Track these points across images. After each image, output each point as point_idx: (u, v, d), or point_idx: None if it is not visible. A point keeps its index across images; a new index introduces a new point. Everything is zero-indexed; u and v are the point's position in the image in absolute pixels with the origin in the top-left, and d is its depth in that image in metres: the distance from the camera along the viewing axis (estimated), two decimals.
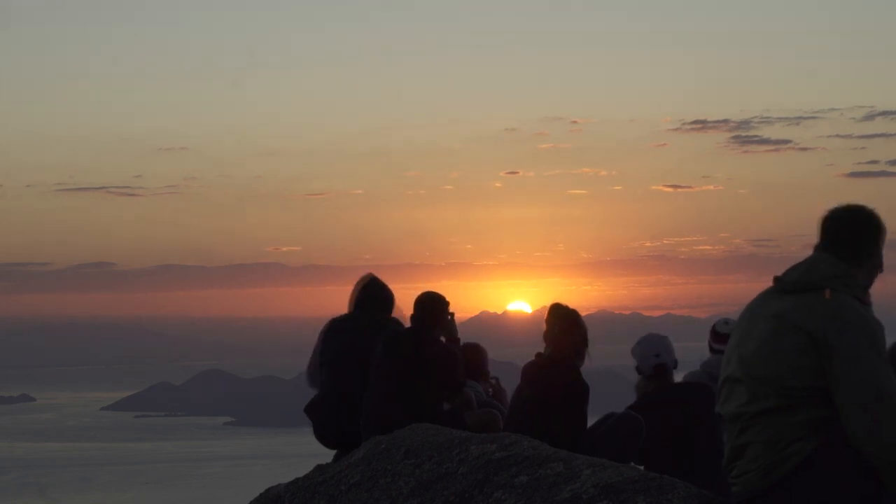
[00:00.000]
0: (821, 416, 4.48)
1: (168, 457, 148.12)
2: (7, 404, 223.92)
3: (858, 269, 4.64)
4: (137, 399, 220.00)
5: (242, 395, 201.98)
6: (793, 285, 4.61)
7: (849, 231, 4.67)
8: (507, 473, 5.70)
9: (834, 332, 4.46)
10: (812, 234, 4.75)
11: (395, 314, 8.61)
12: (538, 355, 7.41)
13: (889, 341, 4.74)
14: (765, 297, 4.71)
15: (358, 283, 8.71)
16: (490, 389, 8.97)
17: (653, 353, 7.87)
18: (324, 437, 8.49)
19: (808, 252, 4.73)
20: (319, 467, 7.09)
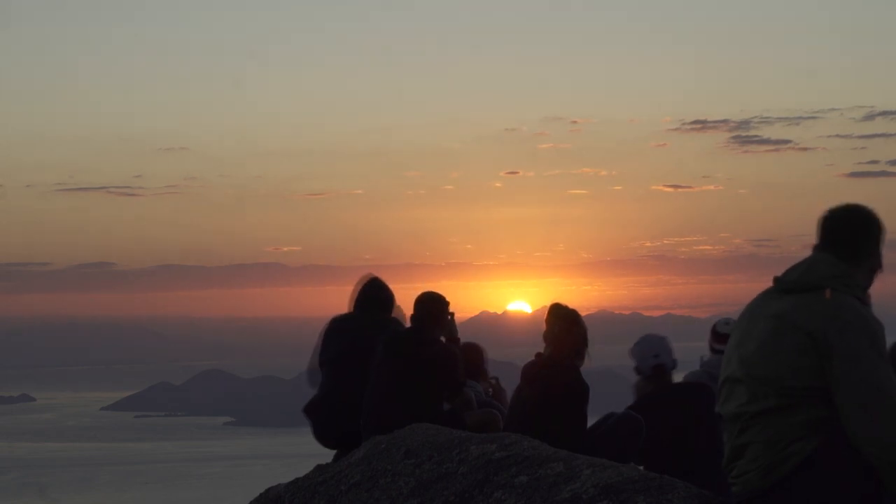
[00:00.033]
0: (821, 416, 4.48)
1: (168, 457, 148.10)
2: (7, 404, 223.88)
3: (858, 268, 4.64)
4: (137, 399, 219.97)
5: (242, 395, 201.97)
6: (793, 285, 4.61)
7: (847, 231, 4.67)
8: (507, 473, 5.70)
9: (834, 332, 4.46)
10: (812, 234, 4.75)
11: (395, 314, 8.62)
12: (538, 355, 7.41)
13: (889, 341, 4.74)
14: (765, 297, 4.70)
15: (358, 283, 8.72)
16: (490, 389, 8.98)
17: (652, 353, 7.87)
18: (323, 438, 8.49)
19: (808, 252, 4.72)
20: (319, 467, 7.10)
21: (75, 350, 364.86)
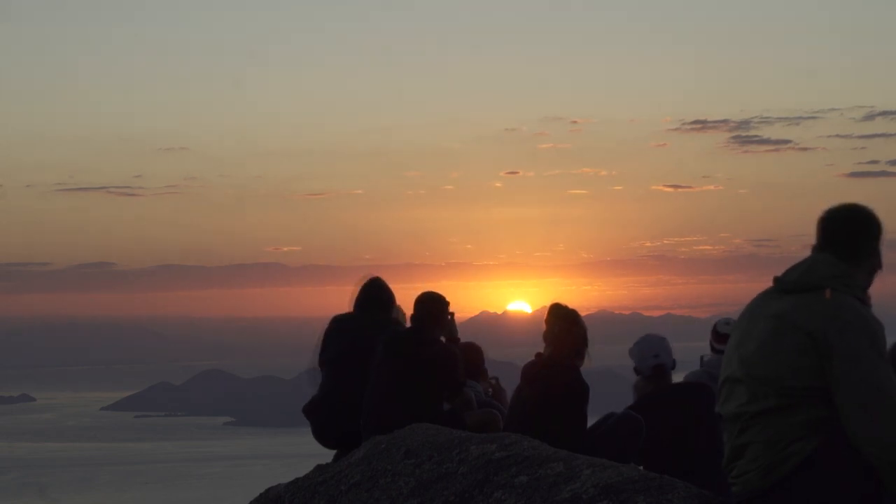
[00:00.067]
0: (821, 416, 4.48)
1: (168, 457, 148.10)
2: (7, 404, 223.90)
3: (858, 268, 4.64)
4: (137, 399, 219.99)
5: (242, 395, 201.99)
6: (793, 285, 4.61)
7: (846, 231, 4.67)
8: (507, 473, 5.69)
9: (834, 332, 4.46)
10: (812, 234, 4.74)
11: (394, 314, 8.62)
12: (538, 355, 7.41)
13: (889, 341, 4.74)
14: (765, 297, 4.70)
15: (358, 284, 8.72)
16: (490, 389, 8.98)
17: (651, 353, 7.87)
18: (323, 438, 8.48)
19: (808, 252, 4.72)
20: (319, 467, 7.09)
21: (75, 350, 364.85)
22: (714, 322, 8.73)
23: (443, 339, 8.17)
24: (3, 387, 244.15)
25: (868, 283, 4.68)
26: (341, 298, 8.86)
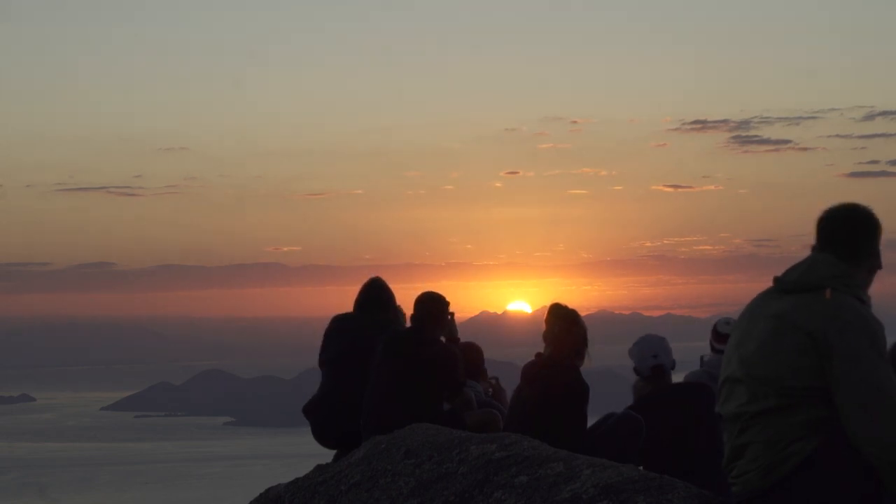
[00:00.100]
0: (821, 416, 4.47)
1: (168, 457, 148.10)
2: (7, 404, 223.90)
3: (858, 268, 4.63)
4: (137, 399, 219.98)
5: (242, 395, 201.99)
6: (793, 285, 4.61)
7: (845, 231, 4.67)
8: (507, 473, 5.69)
9: (834, 332, 4.45)
10: (812, 234, 4.74)
11: (393, 314, 8.62)
12: (538, 355, 7.41)
13: (889, 341, 4.74)
14: (765, 297, 4.70)
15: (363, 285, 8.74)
16: (490, 389, 8.98)
17: (650, 353, 7.87)
18: (323, 437, 8.49)
19: (808, 252, 4.72)
20: (319, 467, 7.09)
21: (75, 350, 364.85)
22: (714, 322, 8.73)
23: (443, 339, 8.18)
24: (3, 387, 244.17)
25: (868, 282, 4.68)
26: (341, 298, 8.92)
